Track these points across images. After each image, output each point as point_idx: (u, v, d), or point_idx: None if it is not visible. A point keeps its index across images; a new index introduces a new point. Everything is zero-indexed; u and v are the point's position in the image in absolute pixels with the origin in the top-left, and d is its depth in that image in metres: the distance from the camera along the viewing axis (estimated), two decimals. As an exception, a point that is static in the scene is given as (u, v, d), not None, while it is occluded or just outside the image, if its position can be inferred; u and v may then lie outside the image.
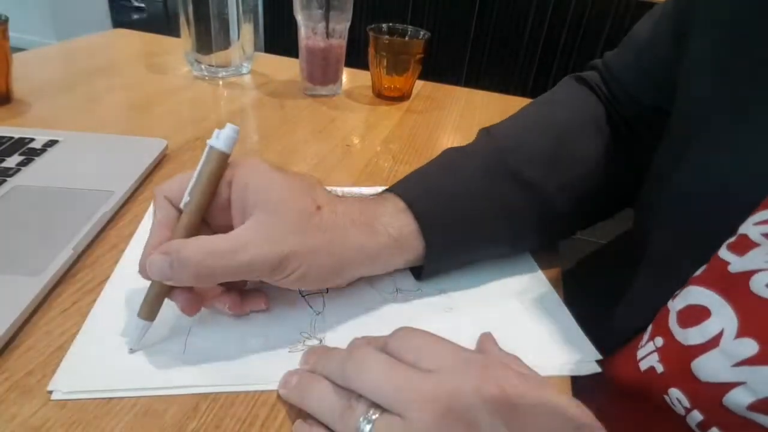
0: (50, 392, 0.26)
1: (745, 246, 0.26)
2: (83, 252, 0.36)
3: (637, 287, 0.35)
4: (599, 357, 0.32)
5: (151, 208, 0.42)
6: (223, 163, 0.30)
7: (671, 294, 0.30)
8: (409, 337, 0.27)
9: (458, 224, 0.36)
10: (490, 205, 0.37)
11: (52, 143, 0.48)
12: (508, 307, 0.36)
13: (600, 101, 0.45)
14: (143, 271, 0.28)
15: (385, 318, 0.34)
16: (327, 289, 0.36)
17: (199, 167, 0.30)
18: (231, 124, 0.30)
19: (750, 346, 0.25)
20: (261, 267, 0.28)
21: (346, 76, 0.78)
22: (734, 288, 0.27)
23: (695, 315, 0.28)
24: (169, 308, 0.31)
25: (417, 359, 0.25)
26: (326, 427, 0.25)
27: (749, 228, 0.26)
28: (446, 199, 0.36)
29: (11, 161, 0.45)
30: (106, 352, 0.29)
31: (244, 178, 0.30)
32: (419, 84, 0.78)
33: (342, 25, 0.66)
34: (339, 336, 0.32)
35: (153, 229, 0.30)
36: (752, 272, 0.25)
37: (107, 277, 0.34)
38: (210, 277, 0.28)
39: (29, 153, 0.46)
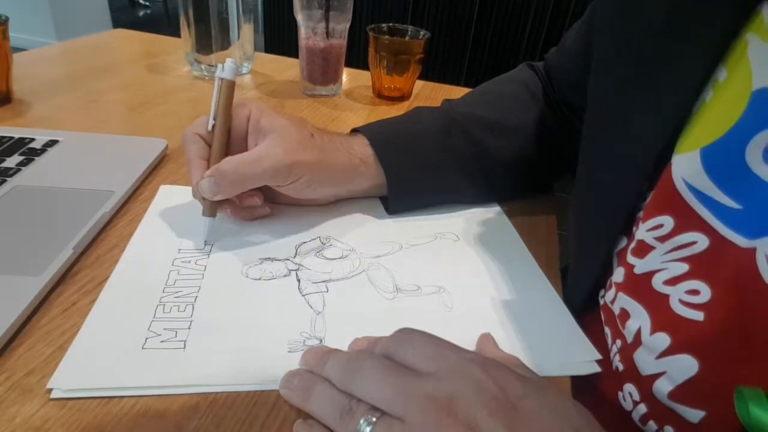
0: (50, 391, 0.26)
1: (643, 250, 0.29)
2: (83, 252, 0.37)
3: (569, 276, 0.40)
4: (599, 357, 0.32)
5: (151, 207, 0.42)
6: (232, 89, 0.40)
7: (588, 280, 0.37)
8: (409, 339, 0.27)
9: (414, 160, 0.44)
10: (444, 149, 0.45)
11: (52, 143, 0.48)
12: (507, 307, 0.36)
13: (542, 85, 0.52)
14: (197, 194, 0.38)
15: (385, 318, 0.34)
16: (327, 288, 0.36)
17: (215, 98, 0.39)
18: (230, 58, 0.40)
19: (664, 340, 0.29)
20: (280, 169, 0.37)
21: (346, 76, 0.78)
22: (640, 288, 0.30)
23: (624, 317, 0.32)
24: (167, 311, 0.32)
25: (416, 361, 0.25)
26: (327, 427, 0.25)
27: (643, 234, 0.29)
28: (403, 139, 0.44)
29: (11, 161, 0.45)
30: (106, 352, 0.29)
31: (257, 114, 0.40)
32: (419, 84, 0.78)
33: (342, 25, 0.66)
34: (339, 336, 0.32)
35: (193, 164, 0.38)
36: (653, 272, 0.29)
37: (107, 277, 0.34)
38: (244, 182, 0.37)
39: (29, 153, 0.46)
